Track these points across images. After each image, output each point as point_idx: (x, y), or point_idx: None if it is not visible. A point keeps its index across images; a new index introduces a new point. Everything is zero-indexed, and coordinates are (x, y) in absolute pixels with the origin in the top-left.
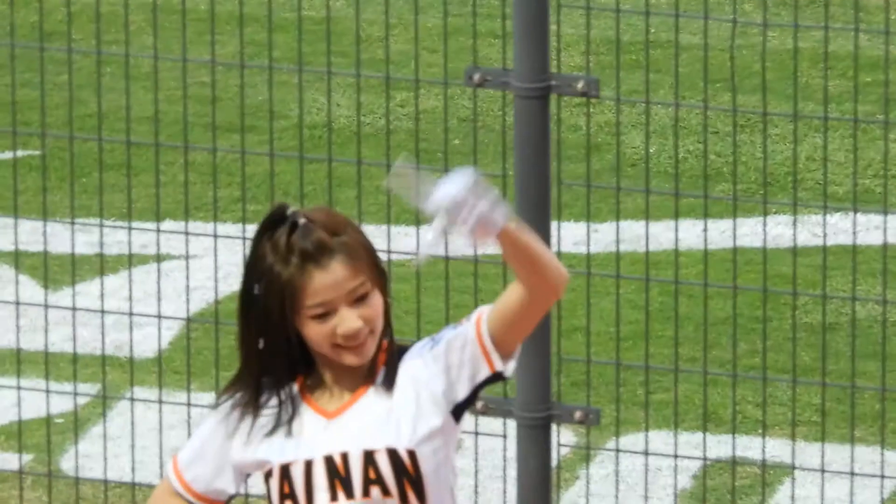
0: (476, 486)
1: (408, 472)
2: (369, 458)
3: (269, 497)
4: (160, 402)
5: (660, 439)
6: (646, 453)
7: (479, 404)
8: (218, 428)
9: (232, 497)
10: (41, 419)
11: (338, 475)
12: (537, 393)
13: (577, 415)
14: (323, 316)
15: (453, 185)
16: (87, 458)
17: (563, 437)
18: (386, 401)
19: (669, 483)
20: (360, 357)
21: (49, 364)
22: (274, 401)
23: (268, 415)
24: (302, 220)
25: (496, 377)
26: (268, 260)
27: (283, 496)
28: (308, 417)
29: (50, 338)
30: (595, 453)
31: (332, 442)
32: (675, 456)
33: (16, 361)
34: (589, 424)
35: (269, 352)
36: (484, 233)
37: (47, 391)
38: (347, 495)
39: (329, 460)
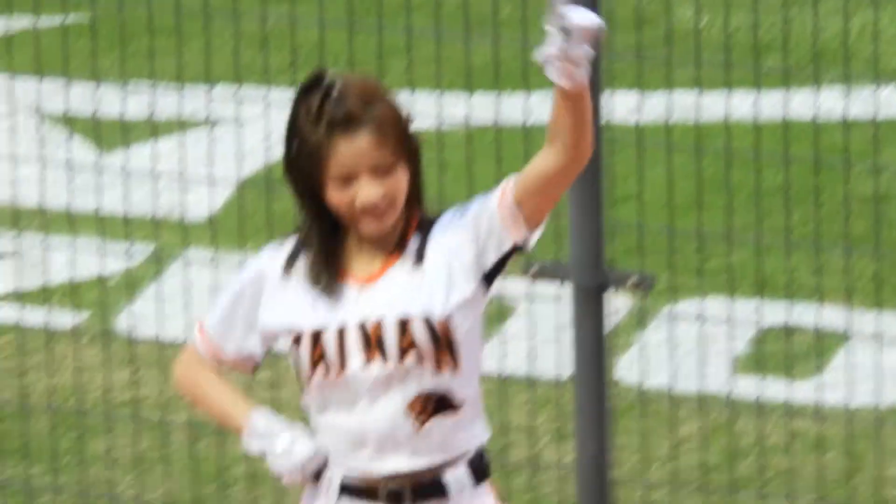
0: (531, 351)
1: (442, 340)
2: (403, 326)
3: (296, 362)
4: (214, 262)
5: (715, 305)
6: (701, 319)
7: (533, 268)
8: (247, 289)
9: (258, 366)
10: (95, 279)
11: (371, 341)
12: (592, 258)
13: (632, 280)
14: (345, 183)
15: (587, 16)
16: (141, 317)
17: (618, 303)
18: (418, 270)
19: (724, 349)
20: (378, 227)
21: (103, 225)
22: (306, 264)
23: (299, 279)
24: (336, 87)
25: (519, 247)
26: (300, 122)
27: (314, 360)
28: (340, 284)
29: (103, 199)
30: (650, 319)
31: (365, 309)
32: (730, 322)
33: (69, 222)
34: (644, 289)
35: (308, 212)
36: (573, 72)
37: (102, 250)
38: (382, 360)
39: (362, 327)
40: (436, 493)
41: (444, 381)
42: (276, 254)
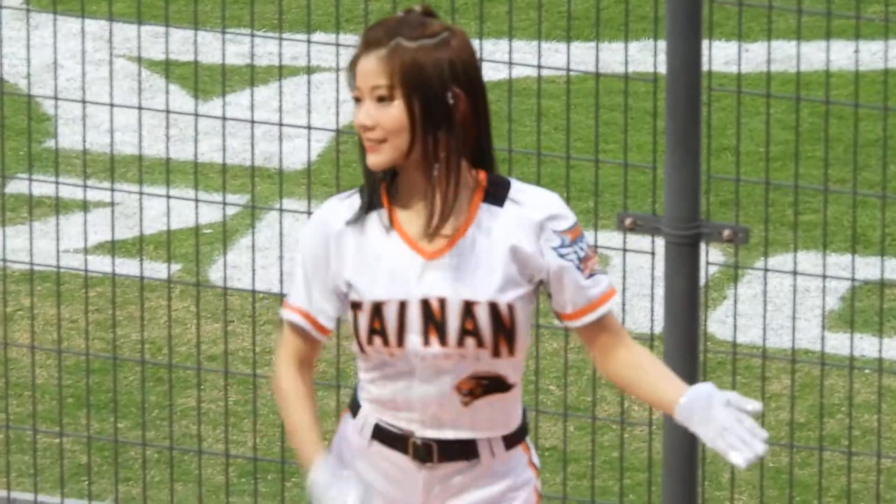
0: (623, 304)
1: (504, 326)
2: (468, 309)
3: (354, 325)
4: (309, 213)
5: (808, 260)
6: (794, 273)
7: (627, 221)
8: (320, 246)
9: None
10: (190, 229)
11: (433, 320)
12: (686, 211)
13: (726, 233)
14: (357, 101)
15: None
16: (235, 268)
17: (712, 256)
18: (486, 249)
19: (817, 304)
20: (372, 159)
21: (198, 174)
22: (367, 223)
23: (358, 237)
24: (390, 19)
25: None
26: None
27: (372, 330)
28: (402, 252)
29: (199, 148)
30: (743, 273)
31: (429, 285)
32: (824, 276)
33: (165, 171)
34: (738, 243)
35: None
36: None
37: (196, 201)
38: (441, 342)
39: (425, 304)
40: (466, 456)
41: (499, 365)
42: (337, 208)
